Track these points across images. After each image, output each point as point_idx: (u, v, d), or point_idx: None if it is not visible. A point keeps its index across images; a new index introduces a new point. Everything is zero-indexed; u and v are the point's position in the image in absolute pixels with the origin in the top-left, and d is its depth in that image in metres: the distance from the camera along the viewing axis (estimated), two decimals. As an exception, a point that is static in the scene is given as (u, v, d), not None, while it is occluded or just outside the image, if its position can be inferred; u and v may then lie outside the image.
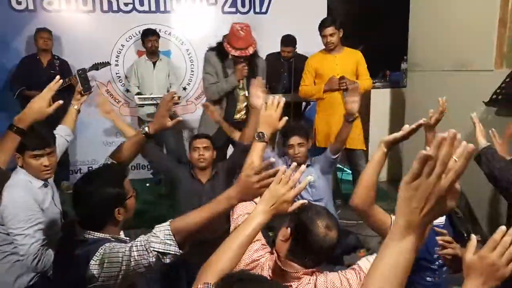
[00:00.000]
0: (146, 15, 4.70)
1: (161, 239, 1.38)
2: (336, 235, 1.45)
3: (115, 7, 4.61)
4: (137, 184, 4.70)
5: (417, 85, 3.91)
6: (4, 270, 2.08)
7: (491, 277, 1.13)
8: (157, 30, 4.61)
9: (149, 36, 4.31)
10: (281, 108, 1.69)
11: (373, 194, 1.65)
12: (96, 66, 4.06)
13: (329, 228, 1.43)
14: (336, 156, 2.93)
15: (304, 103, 4.63)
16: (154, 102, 4.08)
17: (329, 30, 3.50)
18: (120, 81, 4.81)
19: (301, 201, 1.32)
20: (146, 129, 1.94)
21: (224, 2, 4.92)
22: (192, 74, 4.95)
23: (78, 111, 2.45)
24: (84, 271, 1.42)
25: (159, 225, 1.43)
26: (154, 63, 4.41)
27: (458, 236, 2.33)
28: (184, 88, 4.89)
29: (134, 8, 4.66)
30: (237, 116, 3.48)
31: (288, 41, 4.48)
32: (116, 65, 4.75)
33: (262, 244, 1.59)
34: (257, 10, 5.02)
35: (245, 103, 3.42)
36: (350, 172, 4.10)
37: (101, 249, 1.45)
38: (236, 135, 3.08)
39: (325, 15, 4.92)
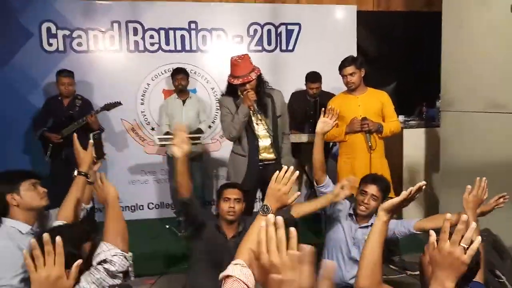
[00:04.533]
0: (172, 54, 4.74)
1: (98, 252, 1.45)
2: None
3: (141, 47, 4.68)
4: (156, 223, 4.64)
5: (450, 125, 3.63)
6: None
7: (453, 267, 1.13)
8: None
9: (177, 75, 4.33)
10: (292, 182, 1.57)
11: (379, 271, 1.50)
12: (107, 107, 4.05)
13: None
14: (418, 233, 2.63)
15: (331, 144, 4.43)
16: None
17: (349, 69, 3.33)
18: (146, 119, 4.82)
19: (76, 263, 1.24)
20: (76, 172, 2.04)
21: (250, 40, 4.89)
22: (217, 112, 4.89)
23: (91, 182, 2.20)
24: None
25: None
26: (184, 101, 4.41)
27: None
28: (209, 126, 4.82)
29: (160, 48, 4.71)
30: (263, 155, 3.26)
31: (314, 77, 4.35)
32: (142, 103, 4.78)
33: None
34: (283, 48, 4.95)
35: (270, 140, 3.25)
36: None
37: None
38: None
39: (355, 53, 4.77)
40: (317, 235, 3.94)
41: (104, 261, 1.40)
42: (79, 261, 1.23)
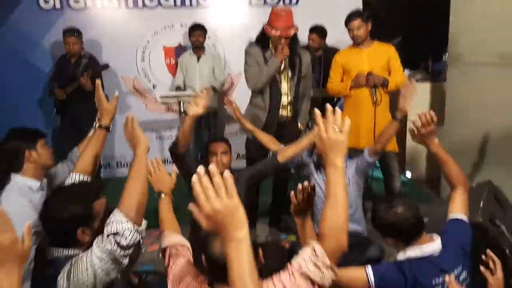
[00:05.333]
0: (171, 10, 4.60)
1: (112, 220, 1.39)
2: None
3: (140, 4, 4.54)
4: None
5: (457, 79, 3.57)
6: None
7: (337, 148, 1.31)
8: (183, 25, 4.57)
9: (194, 31, 4.29)
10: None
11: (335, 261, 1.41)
12: (95, 72, 4.07)
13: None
14: (375, 159, 2.73)
15: (335, 99, 4.38)
16: (177, 100, 3.98)
17: (356, 23, 3.23)
18: (146, 76, 4.76)
19: (26, 226, 1.17)
20: (97, 123, 1.95)
21: (252, -7, 4.74)
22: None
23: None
24: None
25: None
26: (199, 58, 4.37)
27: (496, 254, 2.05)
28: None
29: (159, 4, 4.57)
30: (283, 113, 3.27)
31: (313, 28, 4.28)
32: (142, 60, 4.71)
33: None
34: (287, 1, 4.79)
35: (291, 99, 3.24)
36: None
37: (68, 263, 1.41)
38: (248, 125, 2.96)
39: (360, 6, 4.62)
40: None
41: (116, 233, 1.38)
42: (29, 223, 1.17)
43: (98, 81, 2.01)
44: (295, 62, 3.19)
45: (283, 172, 3.38)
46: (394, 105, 3.60)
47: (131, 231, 1.38)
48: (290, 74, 3.20)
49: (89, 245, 1.46)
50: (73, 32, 4.08)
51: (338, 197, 1.32)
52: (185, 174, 2.58)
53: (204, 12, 4.67)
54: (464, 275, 1.70)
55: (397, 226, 1.68)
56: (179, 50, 4.68)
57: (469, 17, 3.41)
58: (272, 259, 1.49)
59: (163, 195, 1.96)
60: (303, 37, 4.35)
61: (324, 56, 4.25)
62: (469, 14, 3.42)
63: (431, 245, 1.68)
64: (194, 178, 0.94)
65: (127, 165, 4.75)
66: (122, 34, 4.54)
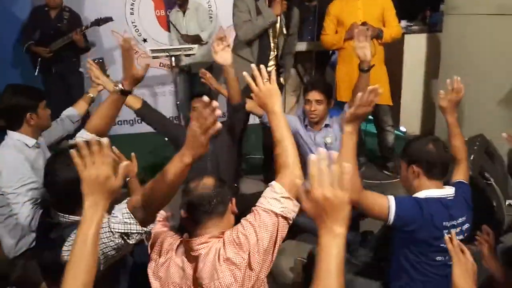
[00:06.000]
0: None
1: (120, 219, 1.33)
2: (212, 180, 1.48)
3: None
4: (156, 138, 4.64)
5: (453, 29, 3.48)
6: (6, 233, 2.12)
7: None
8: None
9: None
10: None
11: (357, 180, 1.63)
12: (98, 22, 3.86)
13: (201, 179, 1.48)
14: None
15: (330, 52, 4.30)
16: (167, 53, 3.88)
17: None
18: (137, 30, 4.63)
19: (125, 163, 1.18)
20: (121, 86, 1.81)
21: None
22: (211, 20, 4.67)
23: (93, 99, 2.50)
24: (58, 256, 1.38)
25: (118, 205, 1.38)
26: (184, 12, 4.21)
27: (483, 209, 2.11)
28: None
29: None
30: (270, 64, 3.19)
31: None
32: (132, 13, 4.56)
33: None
34: None
35: (275, 54, 3.18)
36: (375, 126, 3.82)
37: (73, 233, 1.38)
38: (225, 92, 2.89)
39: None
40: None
41: (124, 233, 1.34)
42: (126, 163, 1.18)
43: (128, 41, 1.82)
44: (290, 18, 3.10)
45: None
46: (388, 57, 3.55)
47: (138, 233, 1.35)
48: (280, 29, 3.10)
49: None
50: None
51: (285, 138, 1.51)
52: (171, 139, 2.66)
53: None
54: (467, 225, 1.77)
55: (433, 158, 1.73)
56: (169, 1, 4.52)
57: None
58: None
59: (128, 178, 1.97)
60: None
61: (318, 7, 4.12)
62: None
63: (446, 190, 1.76)
64: (313, 157, 0.91)
65: (123, 123, 4.71)
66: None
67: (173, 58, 3.80)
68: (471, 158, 2.52)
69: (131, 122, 4.80)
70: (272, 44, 3.15)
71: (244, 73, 1.52)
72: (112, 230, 1.33)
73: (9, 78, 4.04)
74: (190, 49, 3.97)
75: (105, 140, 1.15)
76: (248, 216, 1.47)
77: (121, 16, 4.47)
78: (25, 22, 4.07)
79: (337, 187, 0.91)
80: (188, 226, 1.50)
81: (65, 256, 1.36)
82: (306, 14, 4.24)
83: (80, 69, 4.10)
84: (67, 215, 1.49)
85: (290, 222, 1.47)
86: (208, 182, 1.48)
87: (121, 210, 1.34)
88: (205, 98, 1.18)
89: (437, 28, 4.36)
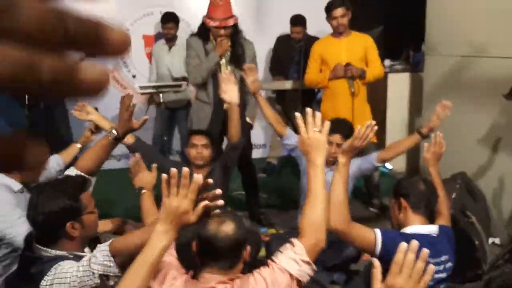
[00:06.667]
0: (151, -2, 4.54)
1: (100, 260, 1.33)
2: (233, 227, 1.40)
3: (118, -10, 4.46)
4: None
5: (434, 70, 3.61)
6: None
7: (317, 147, 1.40)
8: (162, 13, 4.49)
9: (166, 24, 4.17)
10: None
11: (347, 211, 1.68)
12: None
13: (221, 222, 1.40)
14: (381, 166, 2.75)
15: (316, 89, 4.38)
16: (155, 90, 3.94)
17: (340, 11, 3.20)
18: (126, 66, 4.70)
19: (204, 202, 1.19)
20: (115, 132, 1.85)
21: (231, -18, 4.67)
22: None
23: (81, 149, 2.44)
24: None
25: (100, 245, 1.39)
26: (170, 47, 4.30)
27: (464, 247, 2.13)
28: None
29: (138, -9, 4.51)
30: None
31: (297, 20, 4.21)
32: (122, 50, 4.63)
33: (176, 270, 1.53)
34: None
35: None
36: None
37: (54, 268, 1.39)
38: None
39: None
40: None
41: (104, 274, 1.36)
42: (206, 203, 1.18)
43: (130, 98, 1.91)
44: (238, 54, 3.09)
45: (249, 167, 3.39)
46: (372, 95, 3.63)
47: (117, 276, 1.37)
48: (232, 67, 3.06)
49: (77, 241, 1.47)
50: None
51: (318, 195, 1.42)
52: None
53: (183, 0, 4.62)
54: (450, 264, 1.81)
55: (420, 194, 1.83)
56: (159, 38, 4.63)
57: (443, 7, 3.43)
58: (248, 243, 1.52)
59: (143, 190, 1.96)
60: (283, 27, 4.35)
61: (304, 47, 4.22)
62: (443, 4, 3.44)
63: (431, 227, 1.82)
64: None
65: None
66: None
67: (161, 95, 3.86)
68: (453, 196, 2.55)
69: (118, 157, 4.79)
70: None
71: (297, 114, 1.50)
72: (93, 270, 1.33)
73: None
74: (179, 86, 4.04)
75: (198, 177, 1.16)
76: (262, 269, 1.40)
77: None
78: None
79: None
80: (196, 260, 1.46)
81: None
82: (292, 53, 4.35)
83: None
84: (48, 249, 1.48)
85: (302, 286, 1.42)
86: (228, 228, 1.40)
87: (102, 251, 1.34)
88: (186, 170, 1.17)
89: (420, 68, 4.50)
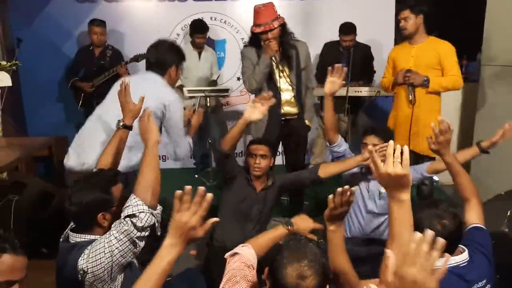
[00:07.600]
0: (201, 3, 4.63)
1: (129, 204, 1.52)
2: (314, 284, 1.19)
3: (171, -4, 4.59)
4: (184, 173, 4.61)
5: (490, 80, 3.45)
6: None
7: (400, 183, 1.22)
8: (213, 18, 4.58)
9: (196, 34, 4.23)
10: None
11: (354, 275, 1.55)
12: (137, 58, 4.00)
13: (303, 278, 1.19)
14: (431, 176, 2.68)
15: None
16: (203, 94, 4.01)
17: (404, 13, 3.08)
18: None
19: (212, 219, 1.24)
20: (122, 122, 2.02)
21: (281, -13, 4.68)
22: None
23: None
24: (74, 276, 1.49)
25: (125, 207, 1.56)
26: (199, 53, 4.37)
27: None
28: (238, 78, 4.77)
29: (189, -4, 4.61)
30: (285, 108, 3.15)
31: (348, 29, 4.15)
32: (172, 54, 4.74)
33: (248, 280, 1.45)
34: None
35: (292, 94, 3.14)
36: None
37: (90, 245, 1.52)
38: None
39: (393, 2, 4.52)
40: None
41: (133, 215, 1.48)
42: (215, 219, 1.26)
43: (124, 82, 2.06)
44: (290, 55, 3.08)
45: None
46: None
47: (146, 213, 1.50)
48: (287, 69, 3.08)
49: (108, 229, 1.55)
50: (101, 22, 4.11)
51: (404, 239, 1.20)
52: (226, 174, 2.61)
53: (233, 5, 4.68)
54: (489, 286, 1.65)
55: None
56: (208, 43, 4.70)
57: (503, 18, 3.28)
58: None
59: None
60: (332, 33, 4.29)
61: (354, 54, 4.14)
62: (503, 14, 3.30)
63: (459, 257, 1.61)
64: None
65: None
66: (153, 27, 4.53)
67: (207, 99, 3.93)
68: (508, 213, 2.42)
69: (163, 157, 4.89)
70: (282, 86, 3.12)
71: (370, 147, 1.46)
72: (123, 221, 1.49)
73: (54, 113, 4.43)
74: (226, 91, 4.10)
75: (209, 196, 1.21)
76: None
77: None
78: (72, 61, 4.35)
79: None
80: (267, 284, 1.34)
81: (81, 265, 1.48)
82: (340, 60, 4.28)
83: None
84: (83, 235, 1.59)
85: None
86: (310, 284, 1.21)
87: (131, 200, 1.52)
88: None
89: (474, 77, 4.32)
